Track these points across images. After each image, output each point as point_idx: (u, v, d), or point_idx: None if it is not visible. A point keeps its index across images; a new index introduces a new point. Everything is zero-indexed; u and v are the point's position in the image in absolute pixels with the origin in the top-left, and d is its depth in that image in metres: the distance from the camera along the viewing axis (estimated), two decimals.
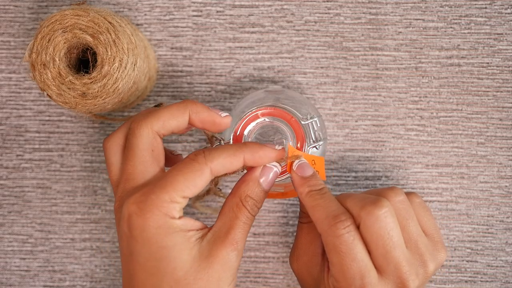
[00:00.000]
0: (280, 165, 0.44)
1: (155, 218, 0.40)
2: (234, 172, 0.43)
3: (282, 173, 0.46)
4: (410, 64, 0.53)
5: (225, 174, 0.43)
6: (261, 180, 0.44)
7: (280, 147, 0.44)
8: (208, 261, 0.41)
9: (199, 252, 0.41)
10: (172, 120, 0.43)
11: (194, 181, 0.41)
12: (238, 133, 0.46)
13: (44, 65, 0.48)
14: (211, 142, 0.45)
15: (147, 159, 0.43)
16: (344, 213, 0.42)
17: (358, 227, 0.42)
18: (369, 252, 0.41)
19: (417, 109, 0.53)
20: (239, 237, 0.42)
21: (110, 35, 0.47)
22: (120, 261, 0.44)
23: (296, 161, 0.45)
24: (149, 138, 0.43)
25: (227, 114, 0.45)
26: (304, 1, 0.54)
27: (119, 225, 0.42)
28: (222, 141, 0.45)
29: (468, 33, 0.53)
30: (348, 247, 0.41)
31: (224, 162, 0.42)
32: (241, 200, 0.43)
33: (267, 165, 0.44)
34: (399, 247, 0.42)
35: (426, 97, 0.53)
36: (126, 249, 0.41)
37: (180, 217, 0.41)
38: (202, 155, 0.41)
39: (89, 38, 0.47)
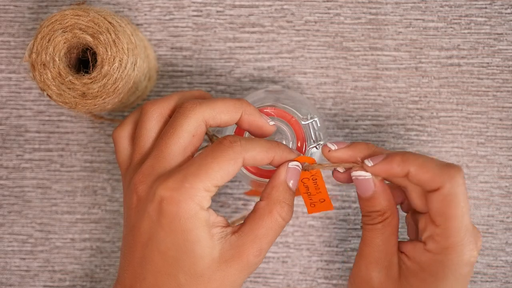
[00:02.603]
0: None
1: (187, 208, 0.39)
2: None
3: None
4: (410, 64, 0.53)
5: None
6: (290, 184, 0.43)
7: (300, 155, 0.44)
8: (227, 265, 0.40)
9: (220, 253, 0.40)
10: (225, 114, 0.43)
11: (228, 169, 0.40)
12: (238, 133, 0.46)
13: (44, 65, 0.47)
14: (212, 141, 0.45)
15: (185, 142, 0.42)
16: (452, 162, 0.42)
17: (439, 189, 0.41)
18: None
19: (417, 109, 0.53)
20: (265, 246, 0.41)
21: (110, 35, 0.47)
22: (123, 237, 0.43)
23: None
24: (197, 122, 0.42)
25: (274, 123, 0.45)
26: (304, 1, 0.54)
27: (143, 206, 0.41)
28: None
29: (468, 33, 0.53)
30: (466, 196, 0.41)
31: (257, 156, 0.41)
32: (276, 208, 0.42)
33: (290, 166, 0.43)
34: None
35: (426, 97, 0.53)
36: (145, 233, 0.40)
37: (208, 208, 0.40)
38: (239, 144, 0.41)
39: (89, 38, 0.47)
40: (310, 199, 0.46)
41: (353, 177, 0.44)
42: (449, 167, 0.41)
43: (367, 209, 0.44)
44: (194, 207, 0.39)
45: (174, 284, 0.40)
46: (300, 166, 0.44)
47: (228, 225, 0.42)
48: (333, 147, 0.44)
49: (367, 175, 0.43)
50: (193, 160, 0.41)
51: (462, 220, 0.41)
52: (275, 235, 0.42)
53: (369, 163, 0.43)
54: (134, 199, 0.42)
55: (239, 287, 0.42)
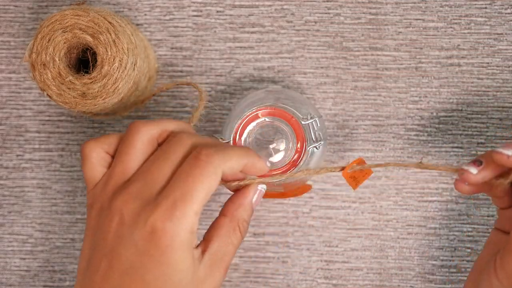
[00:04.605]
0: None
1: (180, 240, 0.38)
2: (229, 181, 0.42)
3: (282, 173, 0.46)
4: (410, 64, 0.53)
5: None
6: (253, 201, 0.43)
7: (269, 164, 0.44)
8: (202, 285, 0.40)
9: (196, 275, 0.40)
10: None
11: (210, 186, 0.39)
12: (238, 133, 0.46)
13: (44, 65, 0.48)
14: None
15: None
16: None
17: None
18: None
19: (417, 109, 0.53)
20: (230, 263, 0.42)
21: (110, 35, 0.47)
22: (86, 259, 0.41)
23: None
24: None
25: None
26: (304, 1, 0.54)
27: (127, 232, 0.39)
28: (222, 141, 0.45)
29: (468, 33, 0.53)
30: None
31: (234, 165, 0.41)
32: (238, 225, 0.42)
33: (259, 187, 0.43)
34: None
35: (426, 97, 0.53)
36: (127, 261, 0.39)
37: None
38: (216, 157, 0.39)
39: (89, 38, 0.47)
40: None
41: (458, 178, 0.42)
42: None
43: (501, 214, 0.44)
44: (186, 236, 0.38)
45: None
46: (265, 189, 0.44)
47: (197, 243, 0.41)
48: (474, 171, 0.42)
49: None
50: (175, 184, 0.39)
51: None
52: (236, 251, 0.42)
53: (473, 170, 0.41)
54: (114, 222, 0.39)
55: None
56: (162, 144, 0.42)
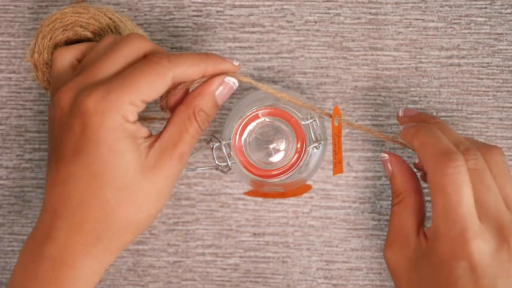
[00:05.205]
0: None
1: (113, 119, 0.39)
2: (190, 83, 0.42)
3: (282, 172, 0.46)
4: (410, 64, 0.53)
5: (180, 84, 0.42)
6: (216, 93, 0.43)
7: (238, 63, 0.44)
8: (152, 172, 0.40)
9: (145, 162, 0.40)
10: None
11: (155, 85, 0.40)
12: (238, 133, 0.46)
13: (46, 64, 0.48)
14: (211, 140, 0.45)
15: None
16: (455, 151, 0.40)
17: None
18: None
19: (417, 109, 0.53)
20: (186, 150, 0.41)
21: (111, 31, 0.47)
22: (48, 159, 0.42)
23: (401, 109, 0.48)
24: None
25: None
26: (304, 1, 0.54)
27: (66, 120, 0.40)
28: (222, 141, 0.45)
29: (468, 33, 0.53)
30: (455, 188, 0.39)
31: (188, 70, 0.41)
32: (194, 113, 0.42)
33: (225, 80, 0.43)
34: (495, 193, 0.40)
35: (426, 97, 0.53)
36: (70, 149, 0.39)
37: (134, 122, 0.40)
38: (167, 59, 0.40)
39: (90, 35, 0.47)
40: (335, 159, 0.46)
41: (381, 157, 0.46)
42: (442, 156, 0.41)
43: (391, 190, 0.46)
44: (119, 119, 0.39)
45: (100, 200, 0.39)
46: (237, 84, 0.44)
47: (151, 135, 0.41)
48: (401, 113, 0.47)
49: (385, 156, 0.46)
50: (119, 75, 0.40)
51: (439, 214, 0.40)
52: (194, 140, 0.42)
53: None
54: (57, 114, 0.40)
55: (167, 195, 0.41)
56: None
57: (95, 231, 0.40)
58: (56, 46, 0.47)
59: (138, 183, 0.40)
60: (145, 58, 0.41)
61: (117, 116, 0.39)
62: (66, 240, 0.39)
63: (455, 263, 0.40)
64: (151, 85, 0.40)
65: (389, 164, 0.46)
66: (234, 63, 0.44)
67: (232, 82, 0.43)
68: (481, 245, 0.40)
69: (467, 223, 0.39)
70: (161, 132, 0.42)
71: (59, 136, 0.40)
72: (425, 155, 0.42)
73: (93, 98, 0.39)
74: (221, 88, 0.43)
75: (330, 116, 0.46)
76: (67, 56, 0.44)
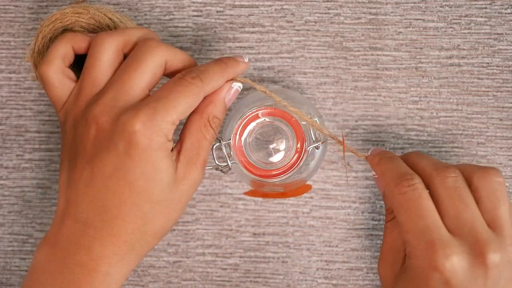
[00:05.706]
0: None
1: (158, 140, 0.41)
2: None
3: (282, 172, 0.46)
4: (410, 64, 0.53)
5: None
6: (226, 100, 0.45)
7: (247, 59, 0.46)
8: (182, 183, 0.43)
9: (176, 175, 0.42)
10: (181, 63, 0.45)
11: (192, 104, 0.42)
12: (238, 133, 0.46)
13: None
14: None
15: (148, 78, 0.43)
16: (411, 173, 0.43)
17: (429, 188, 0.42)
18: (441, 215, 0.41)
19: (417, 109, 0.53)
20: (206, 156, 0.44)
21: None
22: (67, 173, 0.43)
23: (371, 149, 0.48)
24: (160, 61, 0.43)
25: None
26: (304, 1, 0.54)
27: (107, 138, 0.41)
28: (222, 141, 0.45)
29: (468, 33, 0.53)
30: (414, 203, 0.41)
31: (216, 85, 0.44)
32: (209, 121, 0.44)
33: (233, 86, 0.45)
34: (472, 210, 0.41)
35: (426, 97, 0.53)
36: (110, 164, 0.41)
37: (171, 139, 0.42)
38: (199, 79, 0.42)
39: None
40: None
41: (372, 175, 0.47)
42: (397, 178, 0.43)
43: (385, 207, 0.47)
44: (163, 139, 0.41)
45: (139, 214, 0.41)
46: (241, 87, 0.46)
47: (173, 146, 0.43)
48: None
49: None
50: (159, 95, 0.42)
51: (408, 230, 0.42)
52: (210, 145, 0.44)
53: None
54: (92, 131, 0.42)
55: (189, 200, 0.45)
56: (131, 52, 0.44)
57: (130, 241, 0.42)
58: None
59: (171, 195, 0.42)
60: (178, 78, 0.43)
61: (162, 136, 0.41)
62: (101, 251, 0.41)
63: (429, 274, 0.40)
64: (189, 105, 0.42)
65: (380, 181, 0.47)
66: (245, 60, 0.46)
67: (239, 87, 0.46)
68: (453, 258, 0.40)
69: (433, 234, 0.41)
70: (180, 142, 0.44)
71: (96, 152, 0.41)
72: (385, 180, 0.44)
73: (140, 120, 0.40)
74: (229, 93, 0.45)
75: (338, 140, 0.47)
76: (55, 69, 0.44)
